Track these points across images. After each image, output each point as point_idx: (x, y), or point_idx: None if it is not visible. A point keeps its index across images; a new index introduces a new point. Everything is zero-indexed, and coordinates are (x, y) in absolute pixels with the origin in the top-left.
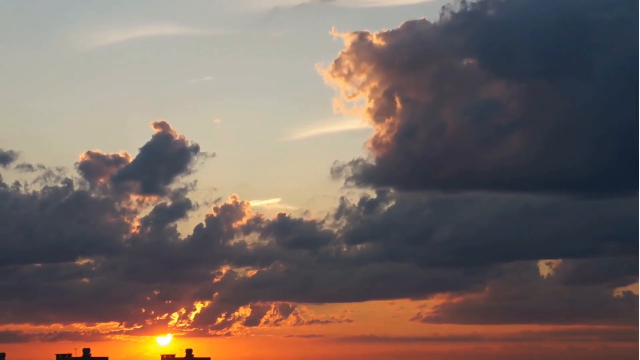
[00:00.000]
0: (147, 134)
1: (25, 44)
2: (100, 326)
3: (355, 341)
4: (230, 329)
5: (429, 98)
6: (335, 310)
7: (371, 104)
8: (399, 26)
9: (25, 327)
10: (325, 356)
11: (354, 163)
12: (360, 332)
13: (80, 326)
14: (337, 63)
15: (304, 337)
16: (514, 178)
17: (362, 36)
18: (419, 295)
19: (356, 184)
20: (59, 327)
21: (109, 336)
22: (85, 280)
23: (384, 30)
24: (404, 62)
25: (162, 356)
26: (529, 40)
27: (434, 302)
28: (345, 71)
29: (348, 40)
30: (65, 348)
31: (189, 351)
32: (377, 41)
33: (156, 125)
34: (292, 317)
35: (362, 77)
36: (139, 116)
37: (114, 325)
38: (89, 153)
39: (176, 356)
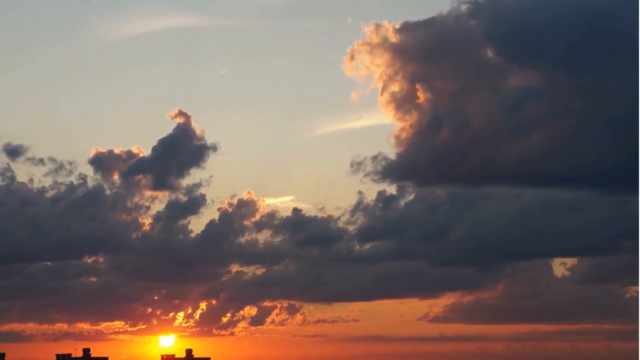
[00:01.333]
0: (163, 128)
1: (40, 37)
2: (104, 326)
3: (359, 341)
4: (235, 329)
5: (451, 91)
6: (343, 310)
7: (392, 98)
8: (420, 17)
9: (29, 327)
10: (327, 356)
11: (374, 158)
12: (365, 332)
13: (84, 326)
14: (360, 56)
15: (309, 337)
16: (537, 173)
17: (384, 27)
18: (430, 295)
19: (375, 180)
20: (63, 326)
21: (113, 336)
22: (93, 279)
23: (404, 21)
24: (425, 54)
25: (162, 356)
26: (552, 28)
27: (443, 302)
28: (367, 64)
29: (370, 31)
30: (67, 348)
31: (188, 351)
32: (398, 33)
33: (173, 119)
34: (298, 317)
35: (384, 70)
36: (156, 110)
37: (119, 324)
38: (101, 147)
39: (176, 356)
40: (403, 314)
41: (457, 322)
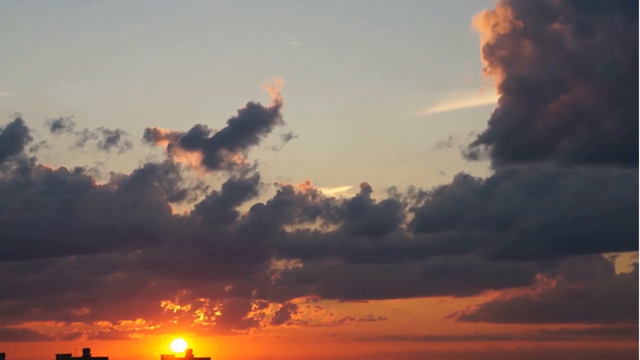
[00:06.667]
0: (234, 105)
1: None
2: (125, 324)
3: (375, 340)
4: (254, 328)
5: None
6: (376, 308)
7: (484, 78)
8: None
9: (45, 326)
10: (330, 356)
11: (468, 134)
12: (386, 331)
13: (103, 324)
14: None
15: (328, 337)
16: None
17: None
18: (472, 292)
19: (461, 160)
20: (79, 325)
21: (127, 334)
22: (122, 274)
23: None
24: (525, 31)
25: (162, 356)
26: None
27: (483, 300)
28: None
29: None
30: (69, 348)
31: (188, 351)
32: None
33: (237, 97)
34: (325, 315)
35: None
36: (221, 87)
37: (139, 323)
38: (156, 124)
39: (176, 356)
40: (434, 313)
41: (487, 321)
